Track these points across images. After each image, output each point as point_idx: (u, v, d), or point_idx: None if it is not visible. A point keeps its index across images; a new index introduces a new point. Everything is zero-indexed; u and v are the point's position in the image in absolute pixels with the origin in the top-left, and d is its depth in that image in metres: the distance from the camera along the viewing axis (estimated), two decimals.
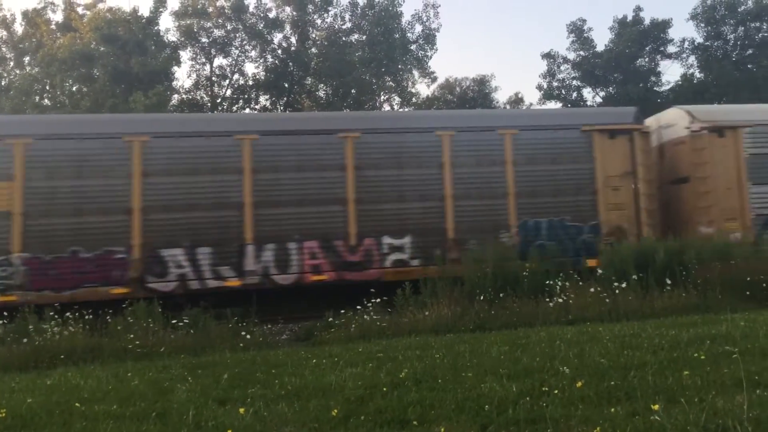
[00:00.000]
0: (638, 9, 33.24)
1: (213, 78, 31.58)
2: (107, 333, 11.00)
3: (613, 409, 4.90)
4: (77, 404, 6.28)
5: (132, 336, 10.57)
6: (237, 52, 31.12)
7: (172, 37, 30.41)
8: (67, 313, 11.42)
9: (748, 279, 11.89)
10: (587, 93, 34.26)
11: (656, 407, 4.68)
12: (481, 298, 11.91)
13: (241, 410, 5.62)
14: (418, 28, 32.85)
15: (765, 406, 4.65)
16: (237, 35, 30.72)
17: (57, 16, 32.63)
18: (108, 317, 11.56)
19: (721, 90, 30.22)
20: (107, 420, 5.58)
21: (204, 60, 31.14)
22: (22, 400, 6.68)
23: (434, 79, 34.55)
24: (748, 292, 11.66)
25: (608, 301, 11.56)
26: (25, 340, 10.48)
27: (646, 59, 32.86)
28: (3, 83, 31.81)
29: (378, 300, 12.30)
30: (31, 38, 32.27)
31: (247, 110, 31.36)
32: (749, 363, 6.07)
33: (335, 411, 5.42)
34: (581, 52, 33.58)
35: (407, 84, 33.43)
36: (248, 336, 10.97)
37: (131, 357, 9.74)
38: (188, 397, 6.44)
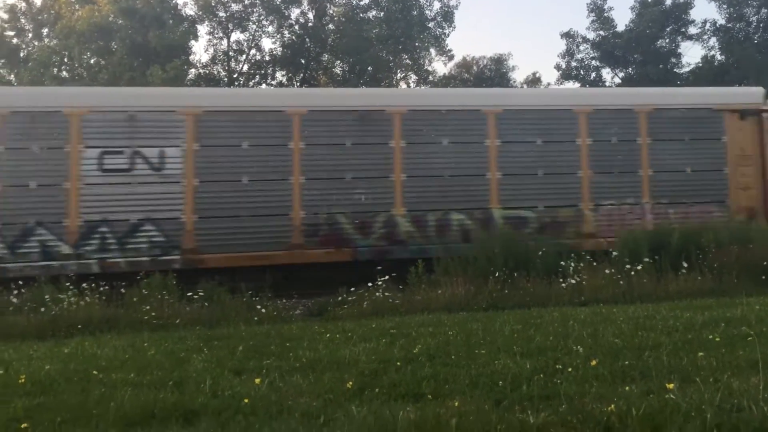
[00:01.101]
0: None
1: (230, 53, 31.54)
2: (123, 304, 11.13)
3: (627, 388, 4.91)
4: (95, 372, 6.37)
5: (148, 307, 10.69)
6: (254, 27, 31.06)
7: (190, 10, 30.40)
8: (83, 284, 11.57)
9: (765, 264, 11.81)
10: (606, 73, 33.97)
11: (671, 386, 4.69)
12: (496, 275, 11.91)
13: (257, 380, 5.68)
14: (437, 5, 32.76)
15: None
16: (254, 10, 30.63)
17: None
18: (122, 289, 11.69)
19: (742, 72, 29.84)
20: (125, 387, 5.66)
21: (221, 35, 31.10)
22: (40, 367, 6.78)
23: (451, 58, 34.38)
24: (764, 277, 11.59)
25: (622, 283, 11.54)
26: (42, 309, 10.62)
27: (667, 40, 32.46)
28: (22, 55, 31.93)
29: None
30: (49, 10, 32.29)
31: (264, 86, 31.33)
32: (765, 345, 6.04)
33: (350, 383, 5.46)
34: (601, 32, 33.23)
35: (424, 62, 33.26)
36: (263, 310, 11.05)
37: (147, 328, 9.86)
38: (204, 367, 6.52)
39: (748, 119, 15.50)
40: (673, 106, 15.43)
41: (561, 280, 11.90)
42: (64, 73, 29.65)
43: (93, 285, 11.56)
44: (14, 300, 11.20)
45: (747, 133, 15.47)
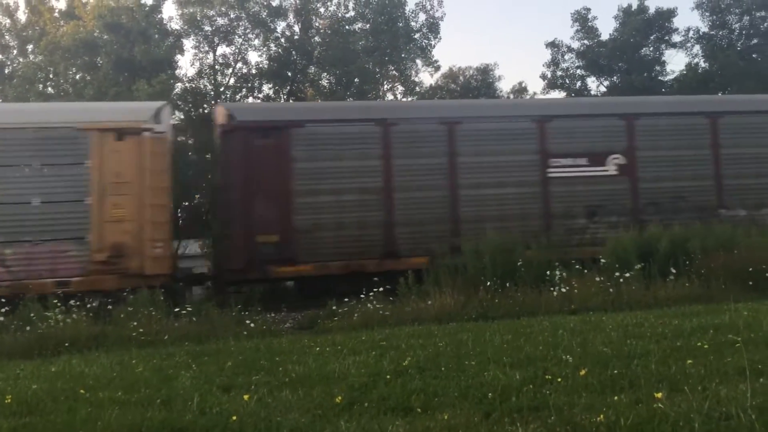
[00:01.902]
0: None
1: (216, 66, 31.46)
2: (111, 321, 11.04)
3: (616, 397, 4.91)
4: (82, 391, 6.31)
5: (135, 324, 10.61)
6: (240, 40, 31.01)
7: (176, 25, 30.26)
8: (71, 301, 11.47)
9: (750, 270, 11.87)
10: (591, 82, 34.11)
11: (659, 395, 4.70)
12: (487, 284, 11.89)
13: (246, 397, 5.64)
14: (422, 16, 32.70)
15: None
16: (240, 24, 30.58)
17: (60, 4, 32.78)
18: (109, 306, 11.60)
19: (726, 80, 30.06)
20: (112, 406, 5.61)
21: (207, 48, 31.01)
22: (27, 386, 6.72)
23: (438, 68, 34.44)
24: (750, 283, 11.65)
25: (611, 290, 11.57)
26: (28, 328, 10.52)
27: (651, 48, 32.64)
28: (6, 71, 31.77)
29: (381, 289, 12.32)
30: (34, 26, 32.18)
31: (251, 99, 31.30)
32: (752, 352, 6.08)
33: (339, 398, 5.44)
34: (585, 41, 33.37)
35: (411, 73, 33.32)
36: (252, 324, 10.99)
37: (135, 345, 9.78)
38: (192, 383, 6.47)
39: (127, 140, 13.29)
40: (20, 126, 13.13)
41: (551, 288, 11.91)
42: (50, 89, 29.53)
43: (79, 302, 11.48)
44: (0, 318, 11.10)
45: (125, 157, 13.22)
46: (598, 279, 11.89)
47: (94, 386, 6.59)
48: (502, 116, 15.84)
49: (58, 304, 11.25)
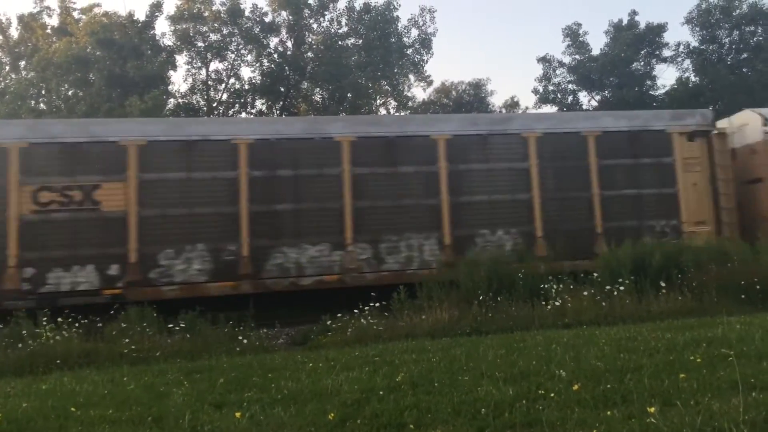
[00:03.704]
0: (633, 13, 33.48)
1: (209, 82, 31.56)
2: (102, 338, 10.96)
3: (609, 412, 4.90)
4: (73, 409, 6.26)
5: (127, 341, 10.55)
6: (233, 56, 31.14)
7: (168, 41, 30.38)
8: (59, 318, 11.38)
9: (743, 282, 11.89)
10: (583, 97, 34.32)
11: (652, 410, 4.69)
12: (480, 298, 11.88)
13: (238, 414, 5.61)
14: (414, 32, 32.93)
15: (761, 409, 4.66)
16: (233, 39, 30.73)
17: (53, 21, 32.59)
18: (99, 322, 11.51)
19: (717, 94, 30.31)
20: (103, 424, 5.57)
21: (200, 64, 31.12)
22: (17, 404, 6.66)
23: (430, 83, 34.64)
24: (743, 296, 11.66)
25: (604, 304, 11.57)
26: (19, 345, 10.44)
27: (642, 63, 32.92)
28: None
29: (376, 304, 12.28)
30: (26, 42, 32.22)
31: (243, 114, 31.38)
32: (745, 366, 6.08)
33: (332, 415, 5.41)
34: (577, 56, 33.64)
35: (403, 88, 33.51)
36: (245, 340, 10.94)
37: (127, 361, 9.71)
38: (184, 401, 6.43)
39: None
40: None
41: (544, 302, 11.90)
42: (42, 105, 29.55)
43: (70, 319, 11.40)
44: None
45: None
46: (586, 293, 11.88)
47: (85, 404, 6.54)
48: None
49: (44, 321, 11.15)
